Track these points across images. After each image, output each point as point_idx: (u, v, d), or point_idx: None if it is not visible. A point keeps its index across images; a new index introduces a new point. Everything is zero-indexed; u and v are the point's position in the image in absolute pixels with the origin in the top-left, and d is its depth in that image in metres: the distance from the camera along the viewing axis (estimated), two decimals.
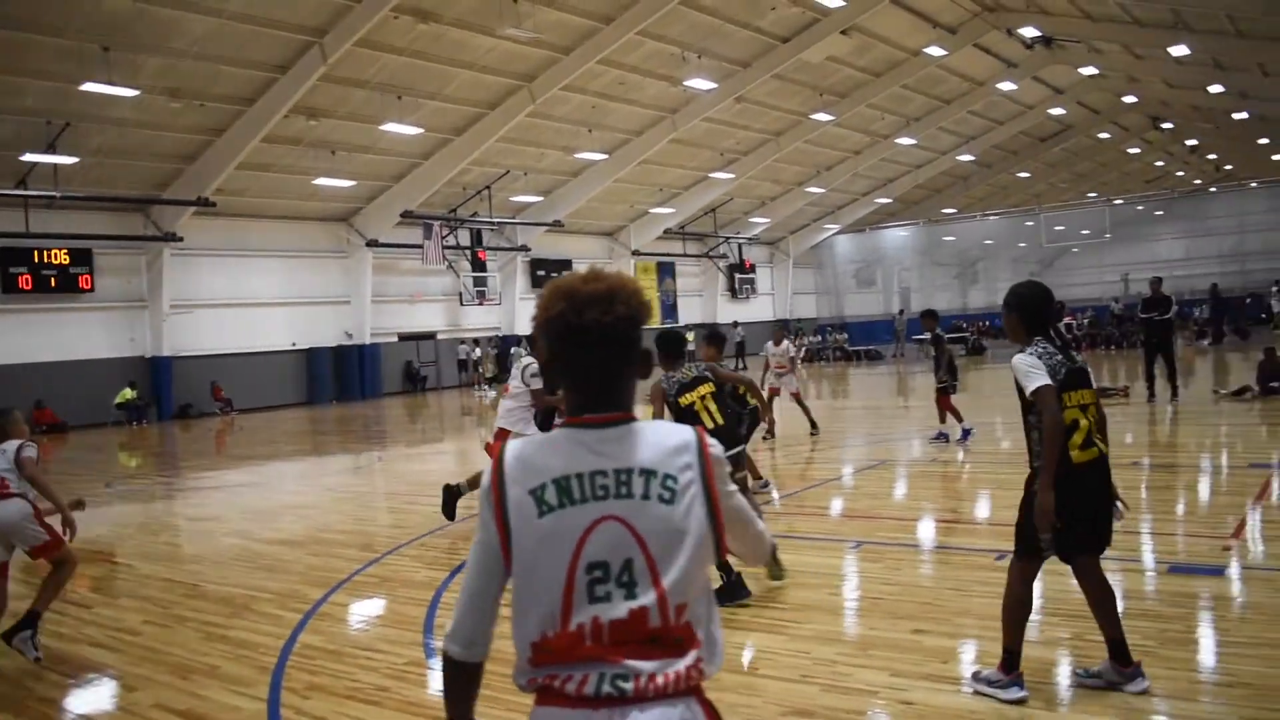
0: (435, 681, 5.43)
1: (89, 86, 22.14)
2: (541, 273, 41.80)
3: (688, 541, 1.93)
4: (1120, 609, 4.73)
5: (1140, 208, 49.87)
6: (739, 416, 6.84)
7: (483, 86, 28.96)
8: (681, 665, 1.90)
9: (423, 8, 24.10)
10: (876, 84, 37.15)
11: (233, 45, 23.45)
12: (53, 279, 27.60)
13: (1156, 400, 16.25)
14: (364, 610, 7.17)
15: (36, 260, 27.26)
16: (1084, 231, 47.56)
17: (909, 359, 36.92)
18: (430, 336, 38.12)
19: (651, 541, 1.91)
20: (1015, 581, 4.65)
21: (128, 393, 28.25)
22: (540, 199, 38.52)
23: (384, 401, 33.00)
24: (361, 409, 29.38)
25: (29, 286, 27.14)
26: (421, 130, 29.16)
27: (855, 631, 5.87)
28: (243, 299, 32.09)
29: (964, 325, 43.14)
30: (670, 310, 49.44)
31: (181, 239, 29.21)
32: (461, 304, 38.45)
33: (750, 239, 51.97)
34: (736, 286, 52.06)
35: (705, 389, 6.77)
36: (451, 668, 2.05)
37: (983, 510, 9.29)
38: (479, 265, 38.38)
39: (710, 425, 6.58)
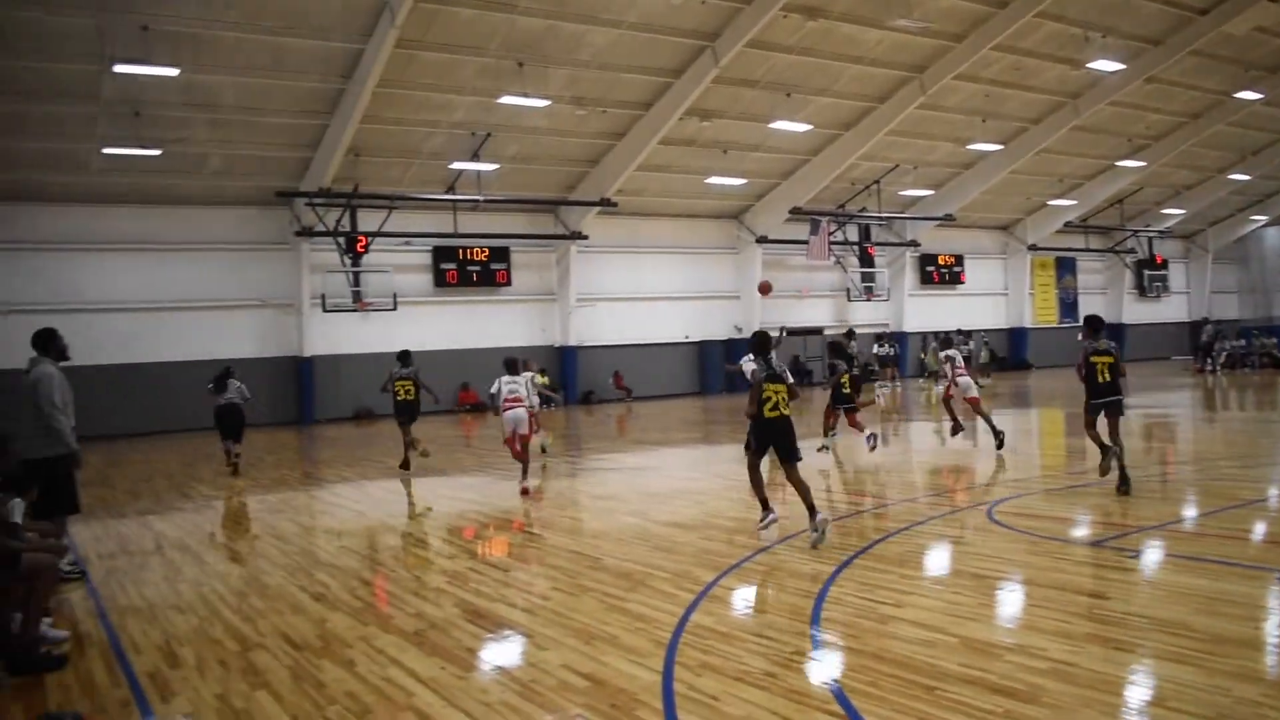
0: (820, 673, 5.44)
1: (506, 99, 24.40)
2: (931, 268, 40.79)
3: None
4: None
5: None
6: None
7: (871, 80, 28.66)
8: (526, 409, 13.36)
9: (811, 4, 24.23)
10: None
11: (631, 53, 24.83)
12: (475, 274, 30.94)
13: None
14: (752, 596, 7.32)
15: (462, 257, 30.73)
16: None
17: None
18: (817, 331, 38.29)
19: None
20: (751, 468, 9.08)
21: (536, 378, 30.49)
22: (930, 193, 37.56)
23: None
24: None
25: (455, 280, 30.71)
26: (810, 127, 29.36)
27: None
28: (640, 293, 33.97)
29: None
30: (1070, 309, 46.36)
31: (586, 237, 31.47)
32: (849, 300, 38.34)
33: (1162, 232, 47.45)
34: (1146, 284, 47.93)
35: (1108, 359, 10.07)
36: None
37: None
38: (867, 261, 38.09)
39: (1101, 380, 10.07)
